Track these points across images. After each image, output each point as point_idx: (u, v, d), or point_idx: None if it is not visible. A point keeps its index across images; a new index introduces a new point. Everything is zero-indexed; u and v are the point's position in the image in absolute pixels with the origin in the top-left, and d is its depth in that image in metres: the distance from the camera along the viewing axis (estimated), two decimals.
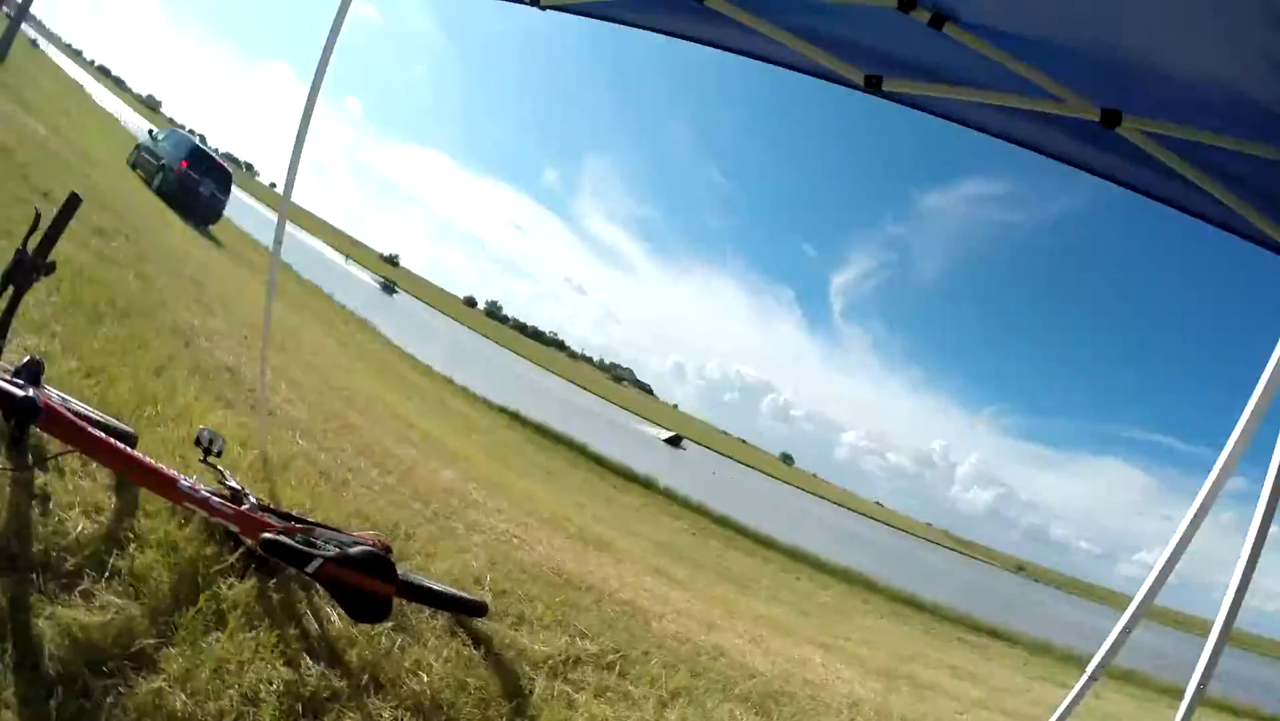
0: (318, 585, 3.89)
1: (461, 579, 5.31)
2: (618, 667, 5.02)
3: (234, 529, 3.83)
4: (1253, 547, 2.95)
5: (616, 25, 4.35)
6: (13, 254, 2.79)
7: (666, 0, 3.90)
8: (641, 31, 4.24)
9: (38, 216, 2.84)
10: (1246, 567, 2.97)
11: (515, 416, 31.55)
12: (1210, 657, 2.98)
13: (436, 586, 4.51)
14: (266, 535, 3.63)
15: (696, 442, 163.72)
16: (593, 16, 4.38)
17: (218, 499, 3.76)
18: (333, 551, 3.68)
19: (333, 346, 19.04)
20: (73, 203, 2.86)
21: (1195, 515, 3.26)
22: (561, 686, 4.39)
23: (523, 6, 4.60)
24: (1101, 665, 3.47)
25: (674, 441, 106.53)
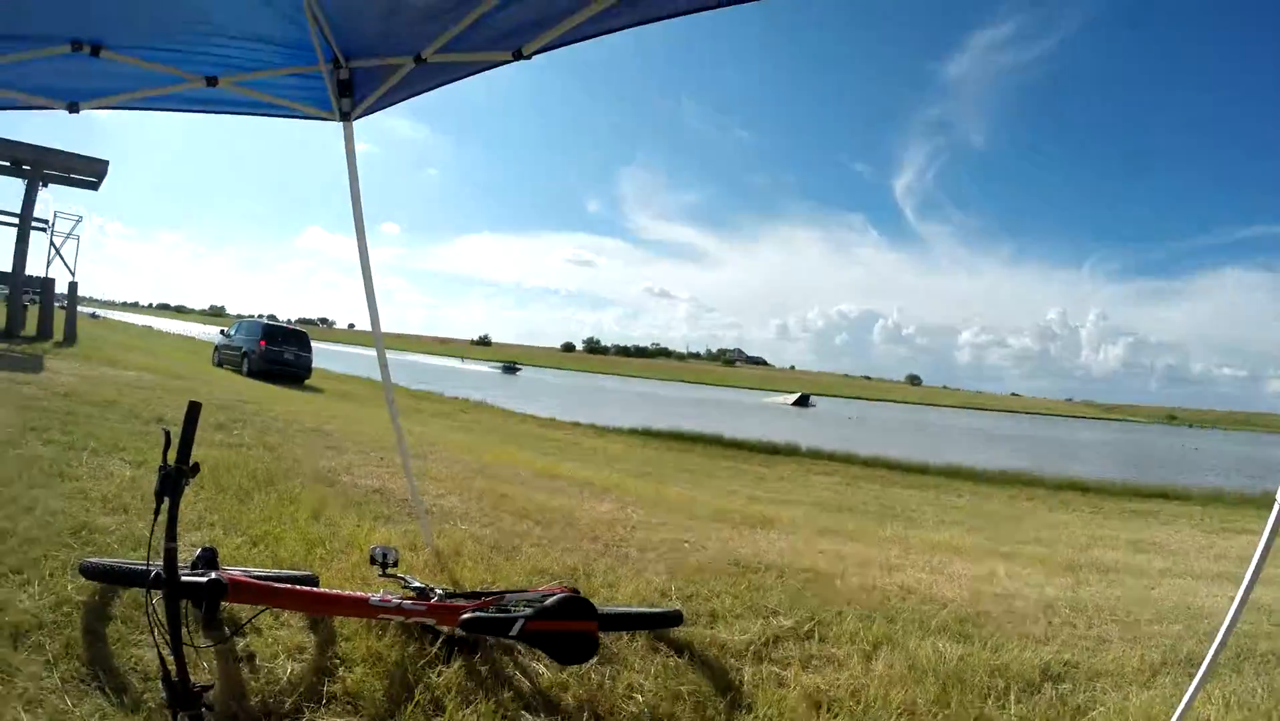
0: (521, 645, 4.17)
1: (649, 596, 5.59)
2: (816, 634, 5.19)
3: (431, 622, 4.14)
4: None
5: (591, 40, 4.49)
6: (158, 471, 3.08)
7: None
8: (606, 40, 4.34)
9: (167, 435, 3.13)
10: None
11: (646, 433, 32.24)
12: None
13: (630, 610, 4.78)
14: (465, 616, 3.92)
15: (823, 394, 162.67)
16: (569, 43, 4.51)
17: (408, 602, 4.09)
18: (529, 610, 3.95)
19: (461, 435, 19.69)
20: (194, 410, 3.13)
21: None
22: (768, 668, 4.57)
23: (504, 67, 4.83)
24: None
25: (802, 401, 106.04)
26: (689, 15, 4.02)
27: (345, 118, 5.51)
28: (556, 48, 4.58)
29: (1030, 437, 79.19)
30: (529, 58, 4.63)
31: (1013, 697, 4.51)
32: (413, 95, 5.45)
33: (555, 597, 3.96)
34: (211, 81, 5.28)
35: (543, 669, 4.17)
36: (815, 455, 29.61)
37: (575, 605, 3.94)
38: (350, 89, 5.36)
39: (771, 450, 29.81)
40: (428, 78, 5.19)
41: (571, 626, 3.90)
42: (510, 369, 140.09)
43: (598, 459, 20.36)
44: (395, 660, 3.98)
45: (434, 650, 4.13)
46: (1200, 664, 4.51)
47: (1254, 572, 3.48)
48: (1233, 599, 7.19)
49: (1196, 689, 3.78)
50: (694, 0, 3.91)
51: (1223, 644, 3.63)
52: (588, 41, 4.39)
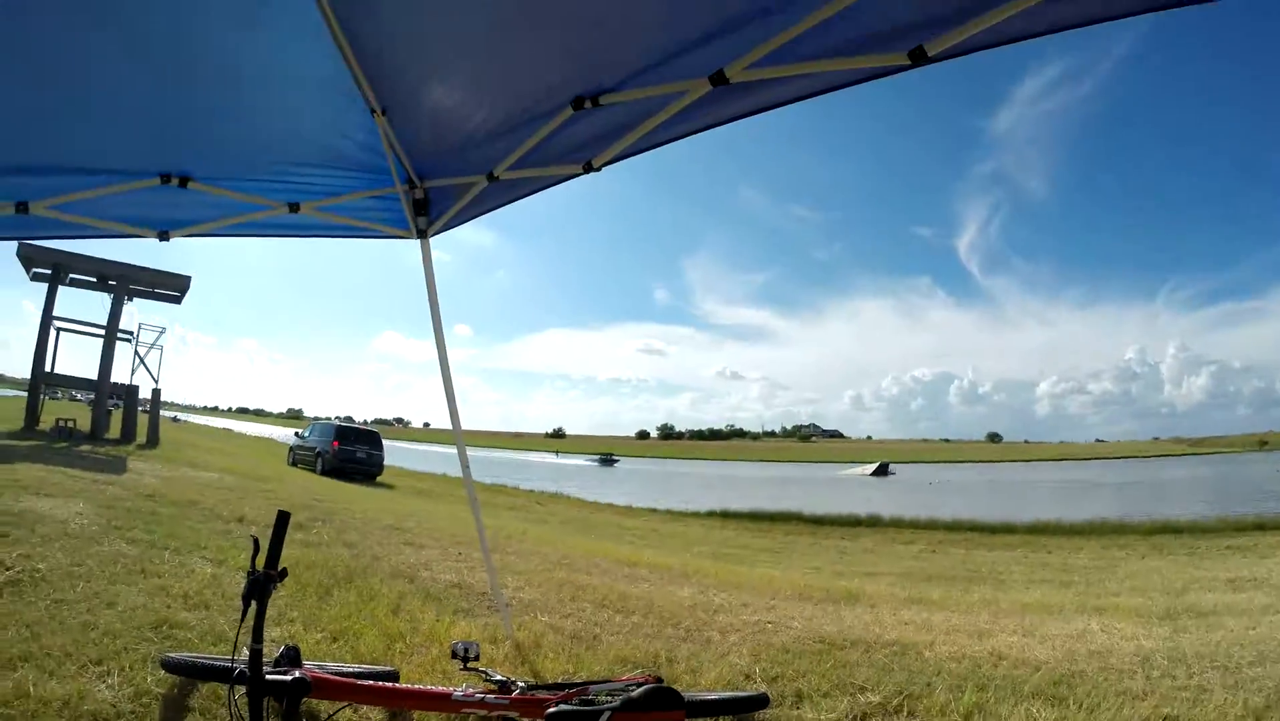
0: None
1: (733, 680, 5.57)
2: (905, 709, 5.14)
3: (515, 716, 4.12)
4: None
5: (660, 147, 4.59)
6: (247, 575, 3.18)
7: (698, 101, 4.00)
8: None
9: (255, 541, 3.24)
10: None
11: (724, 515, 32.26)
12: None
13: (715, 696, 4.76)
14: (550, 710, 3.93)
15: (902, 461, 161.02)
16: (637, 153, 4.61)
17: (490, 695, 4.11)
18: (615, 701, 3.95)
19: (537, 527, 19.85)
20: (283, 519, 3.23)
21: None
22: None
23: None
24: None
25: (881, 471, 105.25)
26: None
27: (422, 235, 5.73)
28: (624, 159, 4.69)
29: (1117, 483, 77.58)
30: (599, 170, 4.75)
31: None
32: (488, 210, 5.62)
33: (643, 689, 3.94)
34: (294, 208, 5.57)
35: None
36: (898, 524, 29.31)
37: (662, 695, 3.92)
38: (426, 208, 5.59)
39: (854, 522, 29.63)
40: (501, 194, 5.35)
41: (659, 718, 3.88)
42: (608, 460, 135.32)
43: (676, 543, 20.35)
44: None
45: None
46: None
47: None
48: None
49: None
50: (748, 106, 4.02)
51: None
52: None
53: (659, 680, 4.46)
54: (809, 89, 3.80)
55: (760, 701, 4.83)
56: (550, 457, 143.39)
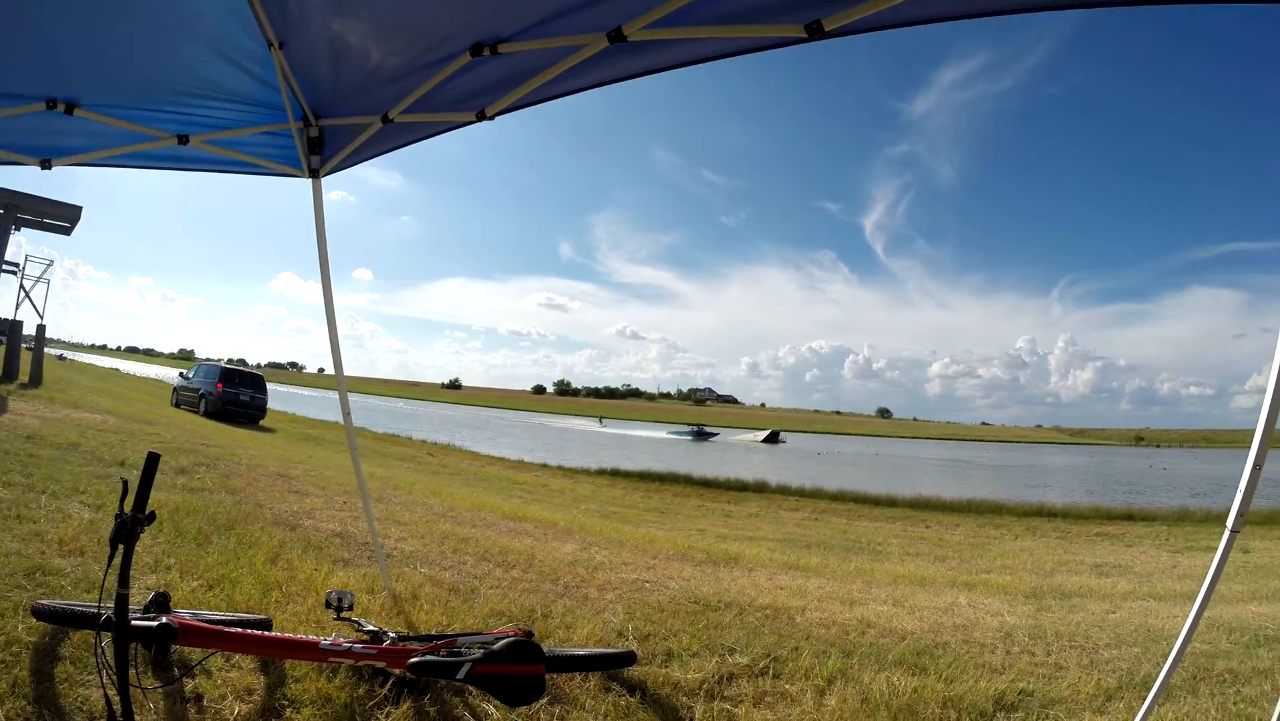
0: (471, 688, 4.21)
1: (605, 637, 5.59)
2: (771, 671, 5.21)
3: (381, 665, 4.15)
4: None
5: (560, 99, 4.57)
6: (115, 518, 3.12)
7: (595, 57, 3.95)
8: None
9: (125, 483, 3.18)
10: None
11: (615, 473, 32.32)
12: None
13: (581, 652, 4.79)
14: (413, 660, 3.96)
15: (793, 430, 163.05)
16: (531, 104, 4.58)
17: (359, 645, 4.11)
18: (478, 653, 3.99)
19: (426, 479, 19.68)
20: (153, 460, 3.18)
21: None
22: (720, 705, 4.58)
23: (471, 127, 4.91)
24: (1240, 515, 3.45)
25: (772, 438, 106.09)
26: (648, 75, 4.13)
27: (314, 175, 5.57)
28: (519, 109, 4.66)
29: (999, 466, 79.52)
30: (492, 118, 4.72)
31: None
32: (380, 153, 5.51)
33: (504, 641, 4.01)
34: (184, 140, 5.35)
35: (493, 709, 4.19)
36: (784, 491, 29.73)
37: (523, 648, 4.00)
38: (320, 146, 5.44)
39: (740, 487, 29.96)
40: (395, 136, 5.26)
41: (519, 669, 3.94)
42: (702, 434, 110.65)
43: (564, 500, 20.39)
44: (344, 702, 4.02)
45: (383, 692, 4.16)
46: (1150, 684, 4.59)
47: (1204, 597, 3.51)
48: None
49: (1147, 712, 3.81)
50: (645, 64, 4.01)
51: (1174, 666, 3.68)
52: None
53: (529, 634, 4.52)
54: (705, 53, 3.81)
55: (627, 658, 4.87)
56: (642, 431, 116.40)
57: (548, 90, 4.35)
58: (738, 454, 69.49)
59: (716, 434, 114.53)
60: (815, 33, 3.34)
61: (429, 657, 4.01)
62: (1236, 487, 3.36)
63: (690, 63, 3.91)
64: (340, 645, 4.04)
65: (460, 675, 3.91)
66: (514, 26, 3.98)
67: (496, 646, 3.98)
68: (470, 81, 4.49)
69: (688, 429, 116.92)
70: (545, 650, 4.20)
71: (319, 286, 5.80)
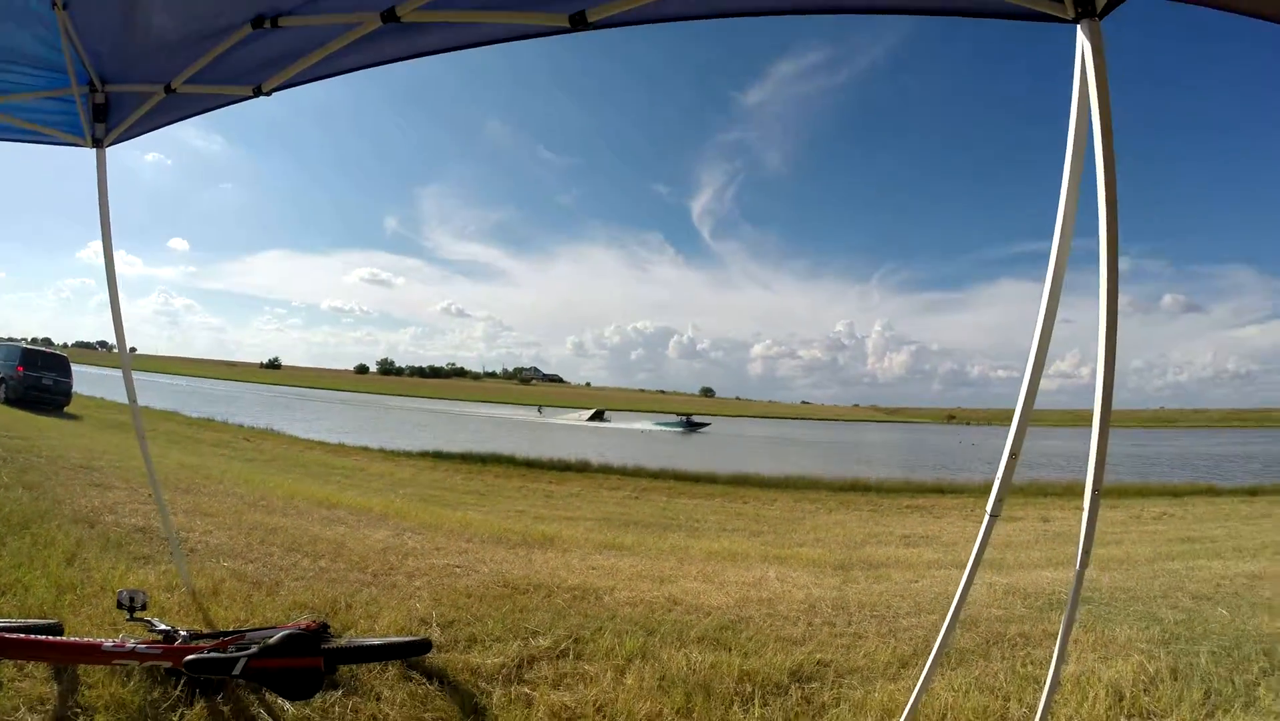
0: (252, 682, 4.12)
1: (408, 625, 5.53)
2: (572, 652, 5.24)
3: (167, 665, 4.03)
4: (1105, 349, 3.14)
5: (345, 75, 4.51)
6: None
7: (372, 36, 3.95)
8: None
9: None
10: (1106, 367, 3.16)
11: (437, 455, 32.00)
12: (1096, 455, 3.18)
13: (373, 642, 4.73)
14: (188, 657, 3.86)
15: (619, 409, 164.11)
16: (309, 81, 4.54)
17: (144, 645, 3.97)
18: (253, 648, 3.91)
19: (240, 466, 19.09)
20: None
21: (1045, 319, 3.43)
22: (518, 689, 4.58)
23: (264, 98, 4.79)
24: (999, 500, 3.72)
25: (597, 417, 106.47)
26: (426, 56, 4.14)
27: (98, 144, 5.37)
28: (296, 85, 4.62)
29: (816, 442, 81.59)
30: (269, 94, 4.66)
31: (758, 701, 4.64)
32: (165, 124, 5.35)
33: (281, 634, 3.96)
34: None
35: (288, 705, 4.10)
36: (606, 470, 29.87)
37: (299, 641, 3.96)
38: (105, 114, 5.25)
39: (563, 467, 29.98)
40: (178, 108, 5.12)
41: (295, 663, 3.90)
42: (693, 425, 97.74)
43: (383, 484, 20.08)
44: (138, 706, 3.91)
45: (176, 693, 4.04)
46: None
47: (969, 575, 3.75)
48: (991, 584, 7.60)
49: (926, 679, 3.94)
50: (418, 45, 4.03)
51: (949, 632, 3.83)
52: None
53: (324, 626, 4.49)
54: (476, 37, 3.87)
55: (422, 646, 4.83)
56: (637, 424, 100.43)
57: (324, 68, 4.34)
58: (564, 433, 69.70)
59: (708, 424, 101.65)
60: (579, 23, 3.47)
61: (204, 655, 3.92)
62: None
63: (462, 46, 3.97)
64: (124, 646, 3.93)
65: (236, 671, 3.84)
66: (295, 0, 3.93)
67: (272, 640, 3.92)
68: (251, 55, 4.42)
69: (676, 420, 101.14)
70: (335, 642, 4.19)
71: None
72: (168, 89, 4.80)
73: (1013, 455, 3.62)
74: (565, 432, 71.72)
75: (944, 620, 3.90)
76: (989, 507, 3.71)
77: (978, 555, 3.72)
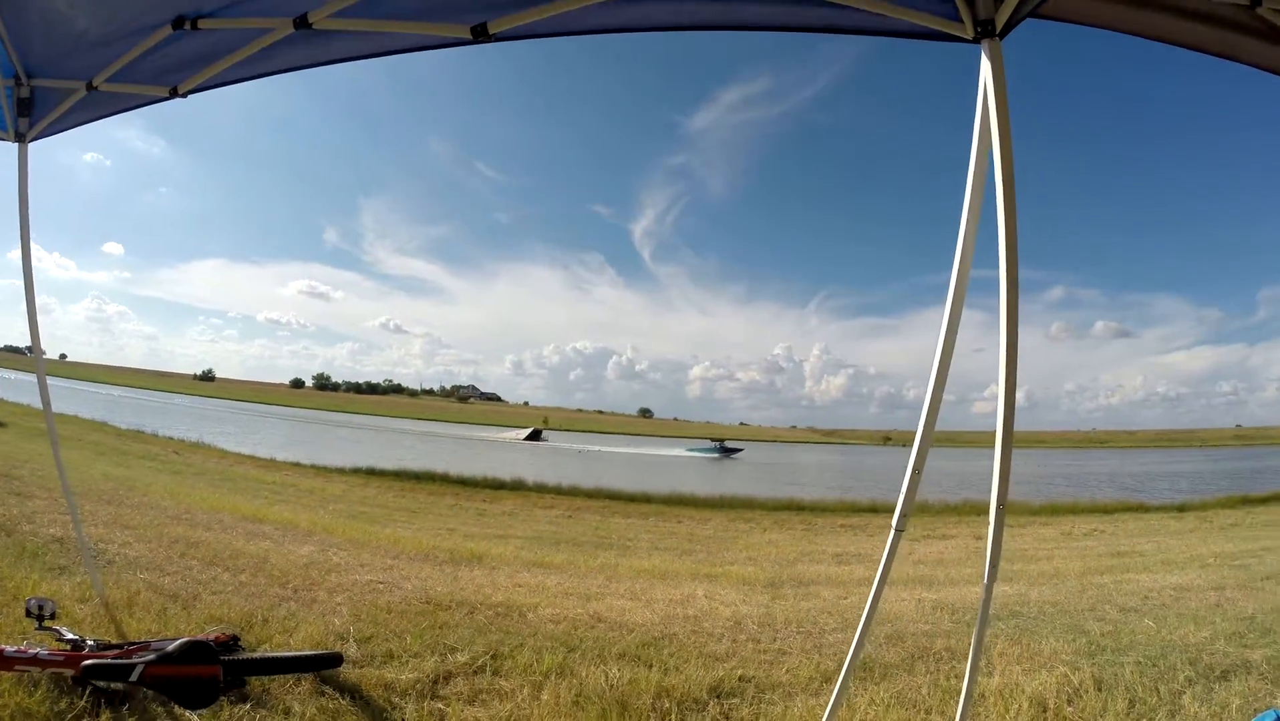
0: (149, 690, 4.05)
1: (325, 641, 5.46)
2: (489, 668, 5.20)
3: (71, 672, 3.96)
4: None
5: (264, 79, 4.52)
6: None
7: (286, 42, 4.00)
8: (358, 71, 4.40)
9: None
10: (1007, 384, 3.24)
11: (370, 472, 31.76)
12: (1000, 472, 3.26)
13: (283, 654, 4.69)
14: (85, 663, 3.80)
15: (557, 429, 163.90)
16: (225, 84, 4.54)
17: (48, 652, 3.90)
18: (151, 656, 3.86)
19: (167, 479, 18.86)
20: None
21: (944, 342, 3.54)
22: (431, 705, 4.54)
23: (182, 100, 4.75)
24: (904, 515, 3.73)
25: (534, 436, 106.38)
26: (361, 61, 4.20)
27: (20, 139, 5.29)
28: (211, 88, 4.62)
29: (752, 462, 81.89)
30: (184, 96, 4.65)
31: (674, 717, 4.62)
32: (86, 121, 5.30)
33: (179, 643, 3.93)
34: None
35: (196, 717, 4.03)
36: (541, 489, 29.86)
37: (198, 650, 3.94)
38: (29, 109, 5.19)
39: (497, 485, 29.91)
40: (98, 105, 5.08)
41: (192, 671, 3.87)
42: (727, 450, 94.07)
43: (313, 500, 19.92)
44: (44, 715, 3.86)
45: (82, 703, 3.96)
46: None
47: (877, 588, 3.82)
48: (920, 600, 7.65)
49: (839, 692, 3.94)
50: (330, 53, 4.09)
51: (859, 645, 3.84)
52: (336, 68, 4.41)
53: (235, 638, 4.55)
54: (387, 46, 3.96)
55: (332, 660, 4.79)
56: (666, 450, 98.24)
57: (239, 71, 4.38)
58: (500, 452, 69.52)
59: (741, 449, 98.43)
60: (480, 35, 3.59)
61: (102, 661, 3.89)
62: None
63: (370, 55, 4.07)
64: (27, 652, 3.90)
65: (133, 677, 3.83)
66: (215, 3, 3.94)
67: (170, 648, 3.89)
68: (169, 55, 4.43)
69: (710, 445, 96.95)
70: (243, 654, 4.15)
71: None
72: (89, 86, 4.78)
73: (915, 471, 3.64)
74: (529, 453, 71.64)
75: (871, 635, 3.94)
76: (894, 523, 3.73)
77: (884, 569, 3.78)
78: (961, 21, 3.17)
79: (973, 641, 3.54)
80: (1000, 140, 3.03)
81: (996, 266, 3.15)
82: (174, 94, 4.61)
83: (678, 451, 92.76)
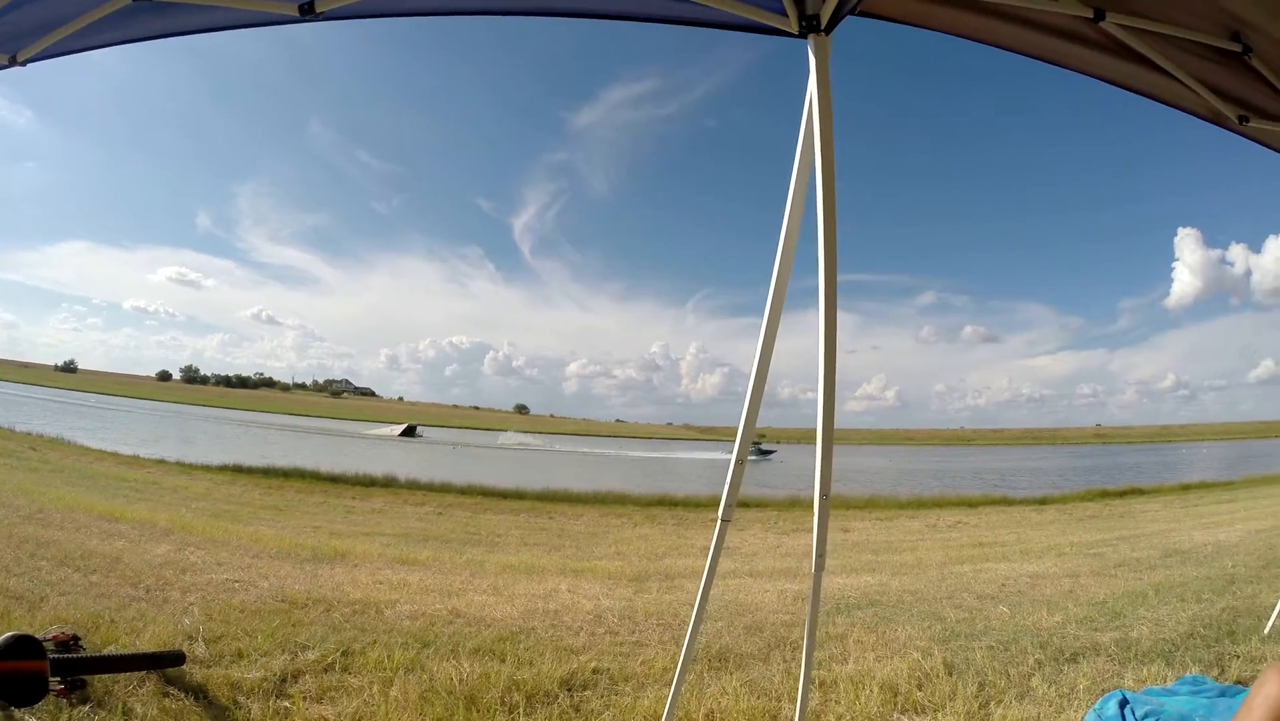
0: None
1: (173, 640, 5.37)
2: (339, 666, 5.19)
3: None
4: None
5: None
6: None
7: (125, 14, 3.90)
8: (245, 46, 4.31)
9: None
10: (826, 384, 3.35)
11: (237, 469, 31.04)
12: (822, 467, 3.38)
13: (120, 654, 4.62)
14: None
15: (432, 425, 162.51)
16: (66, 53, 4.45)
17: None
18: None
19: (21, 477, 18.18)
20: None
21: (764, 344, 3.70)
22: (278, 703, 4.50)
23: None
24: (729, 505, 3.75)
25: (409, 433, 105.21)
26: (204, 34, 4.11)
27: None
28: (50, 57, 4.47)
29: (625, 459, 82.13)
30: (23, 64, 4.48)
31: (523, 710, 4.65)
32: None
33: (3, 638, 3.80)
34: None
35: (28, 716, 3.96)
36: (413, 486, 29.44)
37: (22, 645, 3.86)
38: None
39: (369, 482, 29.42)
40: None
41: (17, 667, 3.77)
42: (762, 452, 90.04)
43: (174, 498, 19.36)
44: None
45: None
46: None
47: (707, 577, 3.79)
48: (781, 591, 7.78)
49: (679, 680, 3.99)
50: (166, 26, 4.03)
51: (693, 635, 3.88)
52: (218, 41, 4.35)
53: (75, 638, 4.45)
54: (219, 22, 3.89)
55: (174, 659, 4.73)
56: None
57: (81, 40, 4.28)
58: (373, 447, 68.69)
59: (775, 450, 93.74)
60: (307, 12, 3.53)
61: None
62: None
63: (203, 30, 4.00)
64: None
65: None
66: None
67: None
68: (8, 22, 4.26)
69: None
70: (81, 653, 4.04)
71: None
72: None
73: (739, 464, 3.71)
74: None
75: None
76: (720, 513, 3.77)
77: (713, 558, 3.78)
78: (787, 16, 3.23)
79: (806, 628, 3.63)
80: (821, 136, 3.11)
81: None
82: (13, 62, 4.45)
83: (716, 455, 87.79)
